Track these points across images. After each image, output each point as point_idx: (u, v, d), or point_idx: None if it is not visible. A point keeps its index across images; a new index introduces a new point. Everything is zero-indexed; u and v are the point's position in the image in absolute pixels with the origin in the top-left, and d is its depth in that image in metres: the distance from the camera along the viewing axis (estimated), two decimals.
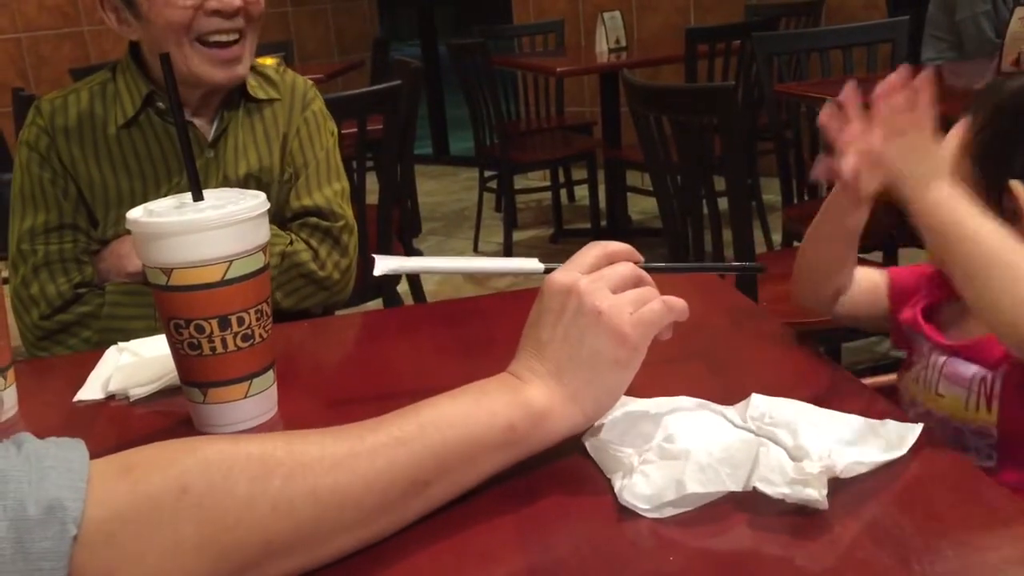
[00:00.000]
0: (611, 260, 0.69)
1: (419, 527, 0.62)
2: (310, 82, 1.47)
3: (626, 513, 0.61)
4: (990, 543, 0.56)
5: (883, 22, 3.26)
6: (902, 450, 0.64)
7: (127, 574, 0.53)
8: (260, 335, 0.80)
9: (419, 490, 0.61)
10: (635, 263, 0.70)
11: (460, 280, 3.93)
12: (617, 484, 0.63)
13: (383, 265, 0.74)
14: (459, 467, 0.63)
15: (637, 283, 0.69)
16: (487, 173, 4.33)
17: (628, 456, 0.65)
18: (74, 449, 0.55)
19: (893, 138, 0.73)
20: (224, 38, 1.28)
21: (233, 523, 0.55)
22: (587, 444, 0.68)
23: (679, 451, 0.64)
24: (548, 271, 0.72)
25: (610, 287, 0.67)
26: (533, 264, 0.75)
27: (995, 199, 0.79)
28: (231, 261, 0.77)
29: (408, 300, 2.74)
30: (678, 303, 0.68)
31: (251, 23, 1.30)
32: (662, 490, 0.61)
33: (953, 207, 0.73)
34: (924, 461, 0.65)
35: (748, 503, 0.60)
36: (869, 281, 0.93)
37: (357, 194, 2.16)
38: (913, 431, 0.65)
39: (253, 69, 1.41)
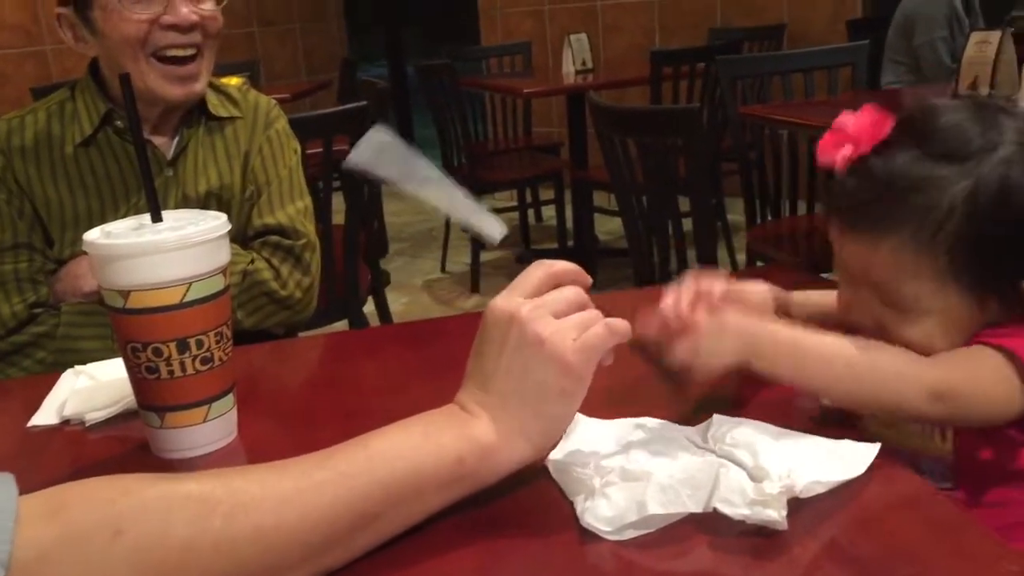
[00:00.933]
0: (556, 281, 0.66)
1: (377, 556, 0.61)
2: (273, 101, 1.47)
3: (587, 536, 0.61)
4: (947, 563, 0.56)
5: (844, 46, 3.32)
6: (860, 469, 0.65)
7: None
8: (220, 358, 0.79)
9: (367, 523, 0.60)
10: (583, 285, 0.67)
11: (428, 301, 3.92)
12: (579, 507, 0.63)
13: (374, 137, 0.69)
14: (408, 501, 0.61)
15: (582, 307, 0.66)
16: None
17: (590, 478, 0.64)
18: (2, 486, 0.53)
19: (701, 342, 0.69)
20: (180, 53, 1.27)
21: (172, 567, 0.53)
22: (549, 466, 0.68)
23: (641, 472, 0.63)
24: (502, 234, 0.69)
25: (552, 312, 0.64)
26: (494, 226, 0.71)
27: (1002, 305, 0.76)
28: (190, 283, 0.76)
29: (375, 321, 2.73)
30: (621, 325, 0.65)
31: (208, 39, 1.30)
32: (624, 512, 0.61)
33: (780, 351, 0.70)
34: (883, 481, 0.65)
35: (709, 524, 0.60)
36: (818, 307, 0.90)
37: (323, 214, 2.15)
38: (871, 450, 0.66)
39: (215, 87, 1.40)
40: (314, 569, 0.59)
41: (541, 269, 0.67)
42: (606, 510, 0.61)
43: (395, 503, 0.61)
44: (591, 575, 0.58)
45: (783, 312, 0.87)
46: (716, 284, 0.77)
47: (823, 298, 0.91)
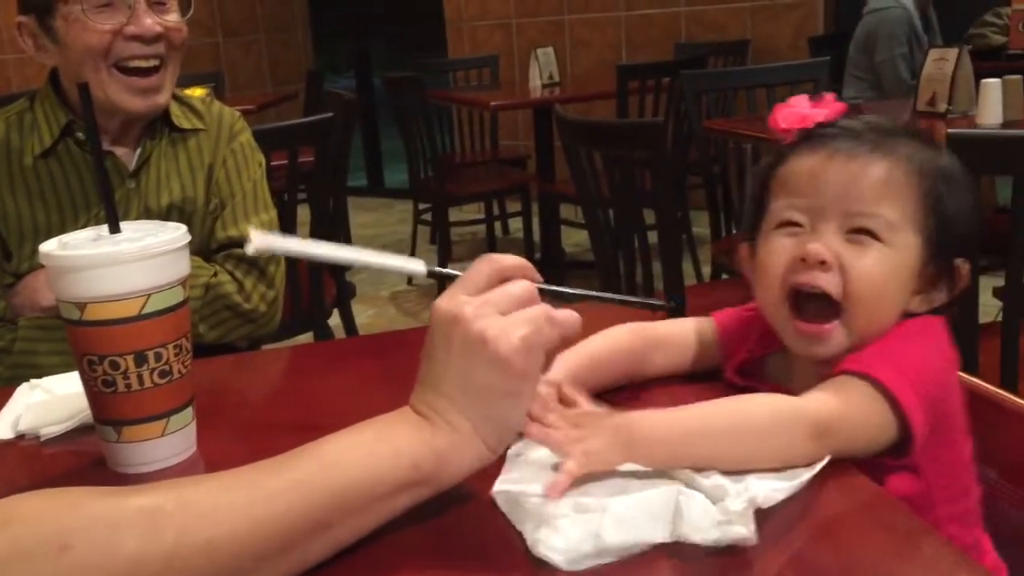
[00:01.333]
0: (503, 277, 0.64)
1: None
2: (237, 113, 1.45)
3: (542, 566, 0.59)
4: (907, 573, 0.57)
5: (806, 62, 3.38)
6: (813, 471, 0.65)
7: None
8: (179, 371, 0.78)
9: (321, 531, 0.59)
10: (531, 280, 0.65)
11: (394, 313, 3.90)
12: (529, 537, 0.60)
13: (260, 242, 0.66)
14: (363, 508, 0.60)
15: (529, 302, 0.63)
16: (422, 206, 4.33)
17: (538, 506, 0.62)
18: None
19: (581, 449, 0.66)
20: (143, 64, 1.26)
21: None
22: (497, 498, 0.66)
23: (595, 504, 0.62)
24: (432, 275, 0.67)
25: (498, 310, 0.61)
26: (417, 265, 0.68)
27: (937, 279, 0.79)
28: (148, 295, 0.75)
29: (340, 334, 2.71)
30: (567, 317, 0.63)
31: (172, 50, 1.29)
32: (579, 543, 0.59)
33: (655, 439, 0.67)
34: (843, 491, 0.65)
35: (670, 548, 0.59)
36: (683, 336, 0.88)
37: (288, 226, 2.13)
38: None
39: (178, 98, 1.39)
40: (269, 575, 0.58)
41: (487, 264, 0.64)
42: (560, 541, 0.59)
43: (349, 510, 0.60)
44: None
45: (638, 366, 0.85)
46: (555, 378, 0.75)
47: (685, 326, 0.88)
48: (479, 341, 0.60)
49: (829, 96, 0.84)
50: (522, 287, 0.63)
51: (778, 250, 0.78)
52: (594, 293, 0.71)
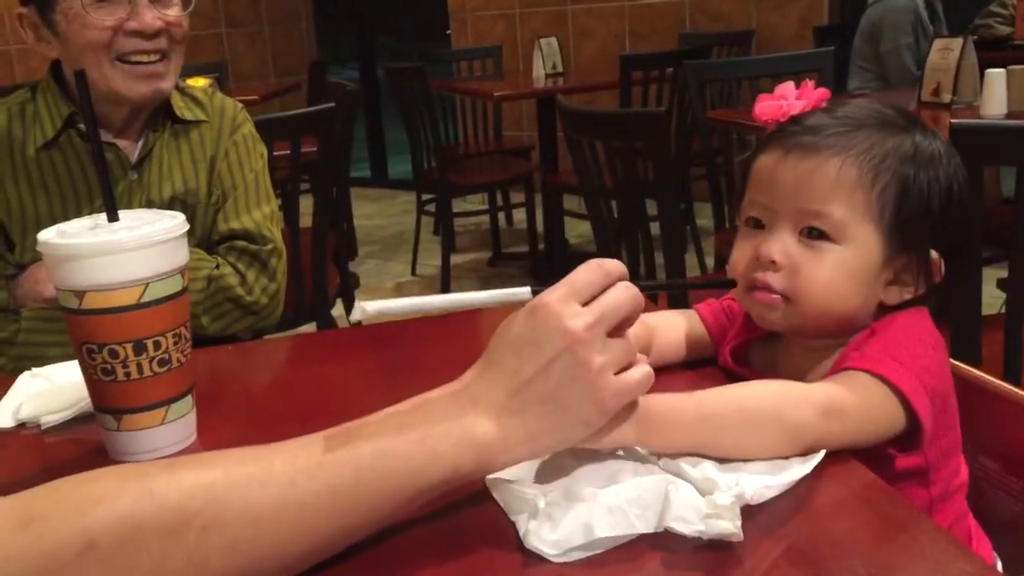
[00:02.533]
0: (610, 282, 0.63)
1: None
2: (239, 105, 1.45)
3: (532, 557, 0.59)
4: (903, 563, 0.57)
5: (810, 52, 3.36)
6: (807, 468, 0.65)
7: None
8: (178, 359, 0.78)
9: (348, 534, 0.59)
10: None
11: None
12: (522, 528, 0.60)
13: (372, 308, 0.65)
14: (394, 510, 0.60)
15: (632, 313, 0.63)
16: (425, 196, 4.33)
17: (533, 497, 0.62)
18: None
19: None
20: (145, 58, 1.26)
21: None
22: (489, 484, 0.66)
23: (587, 494, 0.61)
24: (536, 293, 0.65)
25: (607, 326, 0.61)
26: (523, 292, 0.67)
27: (907, 273, 0.78)
28: (147, 284, 0.75)
29: (344, 324, 2.71)
30: (651, 373, 0.64)
31: (174, 44, 1.28)
32: (569, 535, 0.59)
33: (668, 419, 0.67)
34: (835, 480, 0.65)
35: (660, 542, 0.59)
36: (675, 327, 0.89)
37: (291, 216, 2.13)
38: (817, 454, 0.66)
39: (181, 90, 1.38)
40: (288, 574, 0.58)
41: (596, 273, 0.63)
42: (551, 533, 0.59)
43: (380, 514, 0.60)
44: None
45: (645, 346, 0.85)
46: None
47: (676, 320, 0.90)
48: (583, 367, 0.60)
49: (809, 84, 0.83)
50: (630, 297, 0.63)
51: (741, 247, 0.81)
52: (676, 282, 0.74)
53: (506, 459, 0.62)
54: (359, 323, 0.66)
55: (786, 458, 0.66)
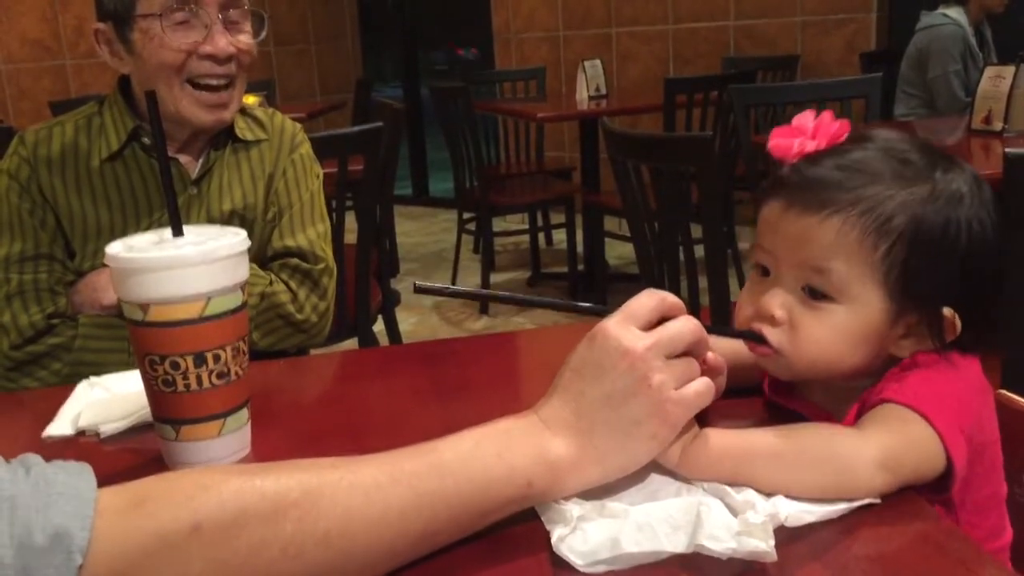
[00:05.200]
0: (668, 313, 0.67)
1: None
2: (299, 126, 1.49)
3: (561, 564, 0.60)
4: None
5: (857, 79, 3.34)
6: (853, 504, 0.64)
7: None
8: (236, 373, 0.80)
9: (427, 540, 0.61)
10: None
11: (437, 321, 3.92)
12: (555, 536, 0.61)
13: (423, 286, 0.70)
14: (470, 521, 0.62)
15: (691, 345, 0.66)
16: (466, 215, 4.35)
17: (570, 509, 0.63)
18: (82, 476, 0.55)
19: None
20: (215, 82, 1.29)
21: (242, 562, 0.55)
22: None
23: (620, 510, 0.63)
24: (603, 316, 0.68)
25: (667, 352, 0.65)
26: (597, 308, 0.71)
27: (921, 328, 0.74)
28: (209, 298, 0.77)
29: (384, 340, 2.73)
30: (713, 387, 0.67)
31: (241, 69, 1.32)
32: (597, 547, 0.60)
33: (717, 458, 0.67)
34: (885, 507, 0.64)
35: (691, 563, 0.59)
36: (726, 352, 0.85)
37: (336, 233, 2.16)
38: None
39: (243, 111, 1.42)
40: (368, 574, 0.60)
41: (654, 299, 0.67)
42: (581, 544, 0.60)
43: (458, 522, 0.62)
44: None
45: None
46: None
47: (732, 344, 0.87)
48: (644, 382, 0.63)
49: (826, 117, 0.79)
50: (690, 329, 0.66)
51: (746, 295, 0.80)
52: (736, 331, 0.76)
53: (577, 480, 0.64)
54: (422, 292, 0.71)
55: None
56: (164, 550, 0.53)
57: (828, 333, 0.74)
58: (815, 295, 0.74)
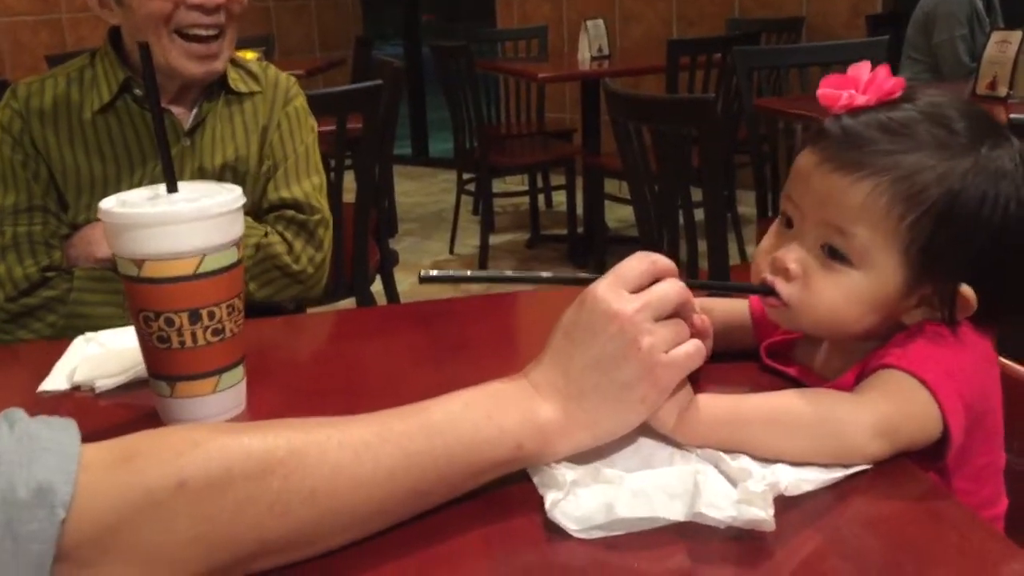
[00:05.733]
0: (658, 276, 0.66)
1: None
2: (293, 78, 1.47)
3: (555, 531, 0.59)
4: (952, 560, 0.56)
5: (862, 41, 3.31)
6: (854, 468, 0.64)
7: (118, 561, 0.53)
8: (231, 330, 0.80)
9: (417, 499, 0.61)
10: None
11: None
12: (548, 501, 0.61)
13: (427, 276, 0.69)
14: (461, 481, 0.62)
15: (680, 306, 0.66)
16: (465, 176, 4.33)
17: (564, 475, 0.63)
18: (67, 431, 0.55)
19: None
20: (203, 32, 1.28)
21: (228, 519, 0.55)
22: None
23: (614, 476, 0.62)
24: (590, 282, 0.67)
25: (655, 314, 0.64)
26: (585, 276, 0.70)
27: (934, 300, 0.73)
28: (204, 255, 0.76)
29: (382, 300, 2.73)
30: (703, 348, 0.67)
31: (231, 19, 1.31)
32: (592, 513, 0.59)
33: (696, 422, 0.67)
34: (879, 475, 0.64)
35: (687, 531, 0.59)
36: (723, 313, 0.86)
37: (334, 193, 2.15)
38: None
39: (236, 63, 1.40)
40: (358, 534, 0.60)
41: (645, 262, 0.66)
42: (575, 509, 0.60)
43: (449, 483, 0.62)
44: (559, 572, 0.57)
45: None
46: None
47: (729, 306, 0.88)
48: (633, 345, 0.63)
49: (882, 72, 0.76)
50: (677, 291, 0.66)
51: (767, 243, 0.79)
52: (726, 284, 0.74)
53: (568, 444, 0.64)
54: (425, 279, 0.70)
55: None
56: (149, 506, 0.53)
57: (840, 296, 0.73)
58: (834, 255, 0.73)
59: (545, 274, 0.75)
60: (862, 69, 0.76)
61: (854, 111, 0.75)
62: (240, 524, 0.55)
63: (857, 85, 0.76)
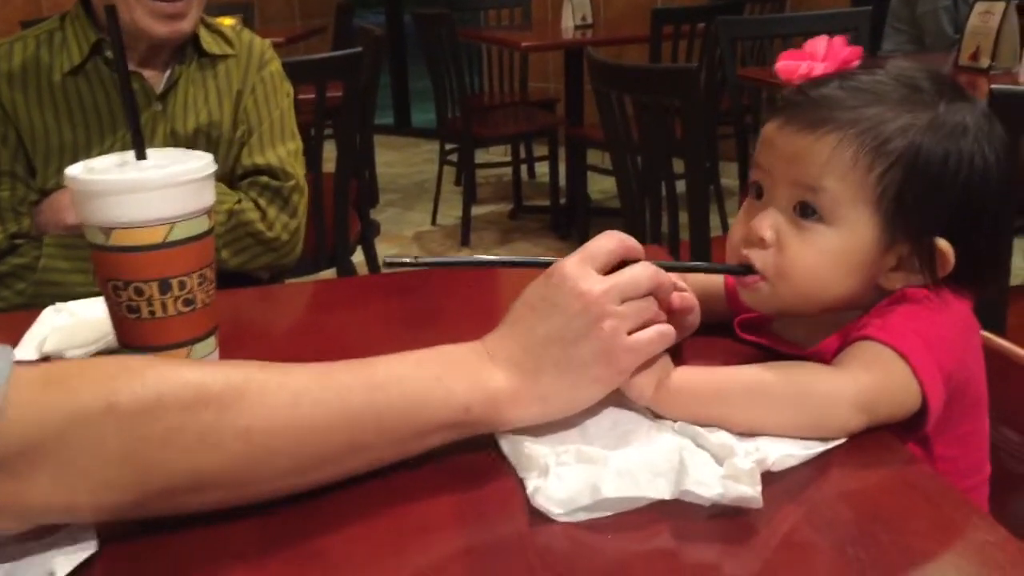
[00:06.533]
0: (627, 256, 0.66)
1: (312, 520, 0.59)
2: (268, 43, 1.45)
3: (537, 516, 0.58)
4: (926, 532, 0.56)
5: (846, 11, 3.29)
6: (834, 441, 0.64)
7: (46, 475, 0.53)
8: (202, 300, 0.78)
9: (357, 451, 0.60)
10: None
11: (417, 252, 3.89)
12: (530, 486, 0.60)
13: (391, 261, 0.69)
14: (405, 439, 0.62)
15: (650, 290, 0.66)
16: (448, 146, 4.30)
17: (543, 456, 0.61)
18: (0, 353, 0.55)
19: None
20: None
21: (158, 445, 0.54)
22: (500, 441, 0.65)
23: (597, 455, 0.61)
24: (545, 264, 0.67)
25: (623, 295, 0.64)
26: (547, 259, 0.69)
27: (913, 262, 0.73)
28: (173, 223, 0.75)
29: (363, 271, 2.72)
30: (670, 332, 0.66)
31: None
32: (576, 495, 0.58)
33: (693, 394, 0.67)
34: (858, 450, 0.64)
35: (672, 509, 0.58)
36: (695, 286, 0.84)
37: (314, 162, 2.13)
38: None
39: (208, 25, 1.38)
40: (302, 483, 0.59)
41: (615, 241, 0.66)
42: (558, 492, 0.58)
43: (389, 438, 0.61)
44: (541, 556, 0.55)
45: None
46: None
47: (704, 280, 0.87)
48: (596, 324, 0.63)
49: (839, 42, 0.78)
50: (649, 275, 0.66)
51: (738, 224, 0.78)
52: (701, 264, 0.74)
53: (517, 415, 0.64)
54: (389, 267, 0.70)
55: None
56: (78, 424, 0.53)
57: (816, 256, 0.72)
58: (806, 213, 0.73)
59: (508, 258, 0.76)
60: (819, 43, 0.78)
61: (814, 79, 0.76)
62: (171, 451, 0.55)
63: (815, 58, 0.77)
